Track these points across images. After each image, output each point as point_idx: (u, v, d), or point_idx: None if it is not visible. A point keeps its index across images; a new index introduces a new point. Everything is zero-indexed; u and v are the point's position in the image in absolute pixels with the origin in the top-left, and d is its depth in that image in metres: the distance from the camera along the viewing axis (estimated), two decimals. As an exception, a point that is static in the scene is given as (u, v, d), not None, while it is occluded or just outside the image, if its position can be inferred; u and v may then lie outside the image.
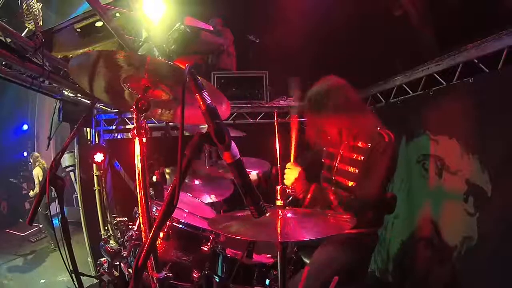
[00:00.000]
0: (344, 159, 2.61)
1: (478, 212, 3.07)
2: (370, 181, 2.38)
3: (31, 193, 8.56)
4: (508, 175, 2.78)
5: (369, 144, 2.47)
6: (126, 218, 2.70)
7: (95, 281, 3.69)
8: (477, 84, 3.11)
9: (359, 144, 2.54)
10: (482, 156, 3.05)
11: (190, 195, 3.18)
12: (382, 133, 2.47)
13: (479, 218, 3.06)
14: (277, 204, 1.66)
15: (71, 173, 6.20)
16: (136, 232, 2.47)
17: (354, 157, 2.53)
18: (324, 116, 2.57)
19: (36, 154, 8.80)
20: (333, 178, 2.64)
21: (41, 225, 8.06)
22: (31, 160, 8.84)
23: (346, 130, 2.61)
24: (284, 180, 2.39)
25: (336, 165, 2.64)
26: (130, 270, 2.53)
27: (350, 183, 2.51)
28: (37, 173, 8.22)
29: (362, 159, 2.48)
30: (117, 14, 3.47)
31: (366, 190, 2.37)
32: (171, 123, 4.94)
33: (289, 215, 1.60)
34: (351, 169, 2.53)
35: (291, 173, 2.40)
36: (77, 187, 5.52)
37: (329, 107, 2.51)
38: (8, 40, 3.15)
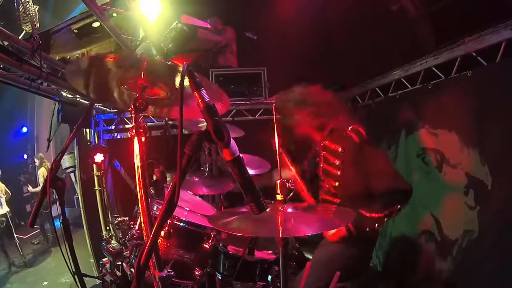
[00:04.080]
0: (326, 160, 2.66)
1: (478, 205, 3.08)
2: (385, 174, 2.43)
3: (30, 188, 8.65)
4: (508, 168, 2.78)
5: (340, 148, 2.52)
6: (127, 218, 2.71)
7: (97, 281, 3.70)
8: (476, 77, 3.10)
9: (333, 146, 2.60)
10: (482, 149, 3.05)
11: (191, 192, 3.18)
12: (350, 134, 2.50)
13: (479, 211, 3.06)
14: (277, 198, 1.66)
15: (72, 174, 6.20)
16: (137, 232, 2.48)
17: (331, 161, 2.61)
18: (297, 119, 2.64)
19: (41, 154, 8.92)
20: (322, 178, 2.69)
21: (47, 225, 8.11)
22: (36, 160, 8.93)
23: (318, 132, 2.65)
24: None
25: (321, 165, 2.68)
26: (132, 269, 2.53)
27: (336, 183, 2.56)
28: (42, 173, 8.31)
29: (338, 163, 2.53)
30: (114, 14, 3.47)
31: (390, 181, 2.41)
32: (170, 122, 4.94)
33: (289, 210, 1.60)
34: (333, 170, 2.60)
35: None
36: (77, 188, 5.52)
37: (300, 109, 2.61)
38: (5, 43, 3.15)
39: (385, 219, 2.43)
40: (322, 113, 2.58)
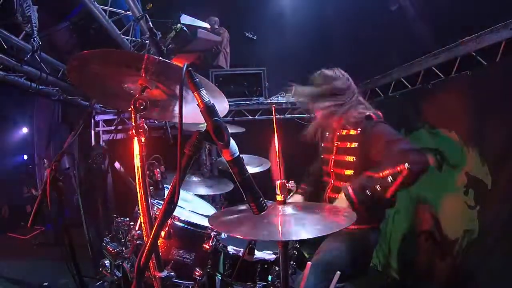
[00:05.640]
0: (339, 150, 2.62)
1: (478, 205, 3.08)
2: (395, 146, 2.24)
3: (33, 192, 8.63)
4: (508, 167, 2.78)
5: (359, 130, 2.49)
6: (127, 218, 2.70)
7: (97, 282, 3.69)
8: (476, 77, 3.11)
9: (350, 132, 2.56)
10: (482, 149, 3.05)
11: (191, 193, 3.18)
12: (370, 115, 2.50)
13: (479, 211, 3.07)
14: (277, 199, 1.66)
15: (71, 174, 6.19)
16: (138, 232, 2.47)
17: (348, 146, 2.55)
18: (317, 106, 2.61)
19: None
20: (332, 170, 2.66)
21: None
22: (45, 162, 8.92)
23: (336, 120, 2.63)
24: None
25: (333, 157, 2.66)
26: (132, 269, 2.52)
27: (348, 172, 2.53)
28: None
29: (356, 146, 2.49)
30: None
31: (400, 154, 2.19)
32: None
33: (289, 211, 1.59)
34: (348, 158, 2.55)
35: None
36: (77, 188, 5.51)
37: (319, 96, 2.56)
38: (5, 43, 3.16)
39: (394, 183, 2.11)
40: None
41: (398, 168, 2.10)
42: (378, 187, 2.15)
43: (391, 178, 2.12)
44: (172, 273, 1.64)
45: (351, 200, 2.21)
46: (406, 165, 2.09)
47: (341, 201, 2.27)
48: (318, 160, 2.95)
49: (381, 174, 2.16)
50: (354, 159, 2.51)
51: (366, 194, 2.18)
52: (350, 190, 2.22)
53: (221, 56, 6.16)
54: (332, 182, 2.66)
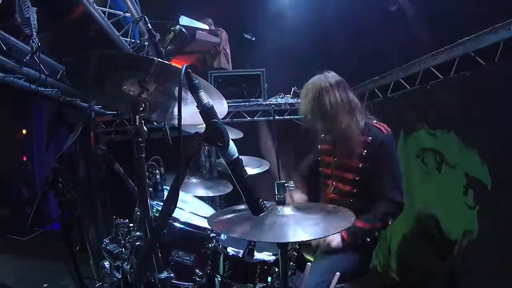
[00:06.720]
0: (342, 154, 2.62)
1: (478, 205, 3.08)
2: (389, 178, 2.50)
3: None
4: (507, 168, 2.78)
5: (369, 138, 2.49)
6: (127, 220, 2.70)
7: (97, 283, 3.70)
8: (474, 77, 3.11)
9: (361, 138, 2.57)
10: (481, 149, 3.06)
11: (190, 194, 3.18)
12: (378, 126, 2.55)
13: (479, 211, 3.07)
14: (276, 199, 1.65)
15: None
16: (137, 233, 2.48)
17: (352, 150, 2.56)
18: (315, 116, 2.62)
19: None
20: (333, 173, 2.66)
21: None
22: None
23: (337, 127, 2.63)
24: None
25: (335, 159, 2.66)
26: (132, 271, 2.52)
27: (350, 176, 2.53)
28: None
29: (364, 153, 2.50)
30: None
31: (388, 187, 2.49)
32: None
33: (288, 212, 1.59)
34: (353, 163, 2.55)
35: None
36: (76, 190, 5.51)
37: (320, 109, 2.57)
38: (4, 45, 3.16)
39: (375, 233, 2.53)
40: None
41: (383, 224, 2.51)
42: (367, 238, 2.54)
43: (377, 231, 2.54)
44: (172, 274, 1.65)
45: (343, 239, 2.48)
46: (390, 221, 2.52)
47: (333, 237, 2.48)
48: (308, 159, 2.97)
49: (368, 225, 2.45)
50: (361, 165, 2.52)
51: (356, 240, 2.50)
52: (344, 235, 2.48)
53: (222, 58, 6.15)
54: (334, 184, 2.66)
